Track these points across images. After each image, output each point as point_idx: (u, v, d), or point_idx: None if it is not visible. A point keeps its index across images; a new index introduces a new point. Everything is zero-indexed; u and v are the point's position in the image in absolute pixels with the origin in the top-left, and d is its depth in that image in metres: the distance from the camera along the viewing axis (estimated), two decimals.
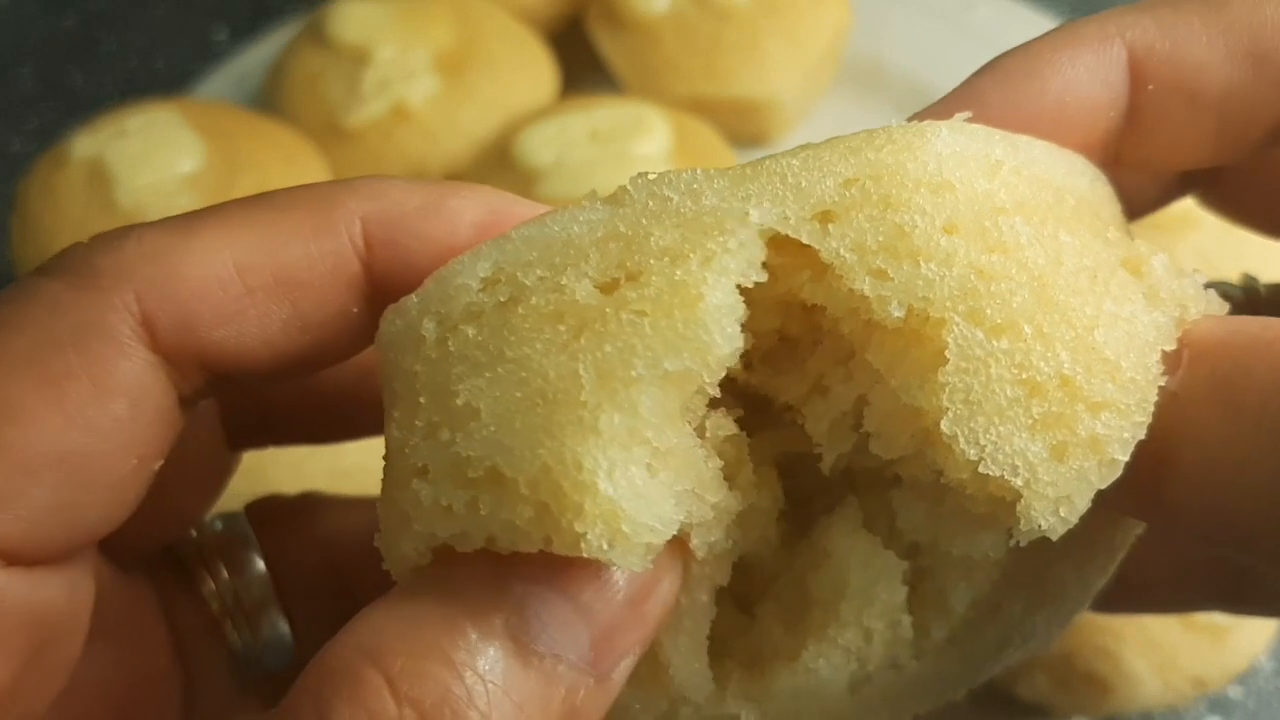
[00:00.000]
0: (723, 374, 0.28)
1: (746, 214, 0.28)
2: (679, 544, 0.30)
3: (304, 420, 0.42)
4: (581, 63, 0.95)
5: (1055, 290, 0.28)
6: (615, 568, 0.28)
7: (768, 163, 0.29)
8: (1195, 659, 0.60)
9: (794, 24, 0.89)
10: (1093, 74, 0.33)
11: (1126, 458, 0.27)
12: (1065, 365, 0.27)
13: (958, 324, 0.27)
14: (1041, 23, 0.96)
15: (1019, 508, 0.27)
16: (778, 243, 0.29)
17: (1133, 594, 0.42)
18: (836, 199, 0.28)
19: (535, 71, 0.92)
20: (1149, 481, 0.28)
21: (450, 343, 0.29)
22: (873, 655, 0.34)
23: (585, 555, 0.26)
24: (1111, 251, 0.30)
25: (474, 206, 0.33)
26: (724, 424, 0.31)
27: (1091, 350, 0.27)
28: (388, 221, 0.33)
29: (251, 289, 0.32)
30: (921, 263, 0.27)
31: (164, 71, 1.09)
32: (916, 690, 0.35)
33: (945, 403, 0.27)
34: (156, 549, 0.41)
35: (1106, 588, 0.36)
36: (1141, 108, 0.34)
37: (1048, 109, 0.33)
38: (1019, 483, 0.27)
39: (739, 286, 0.28)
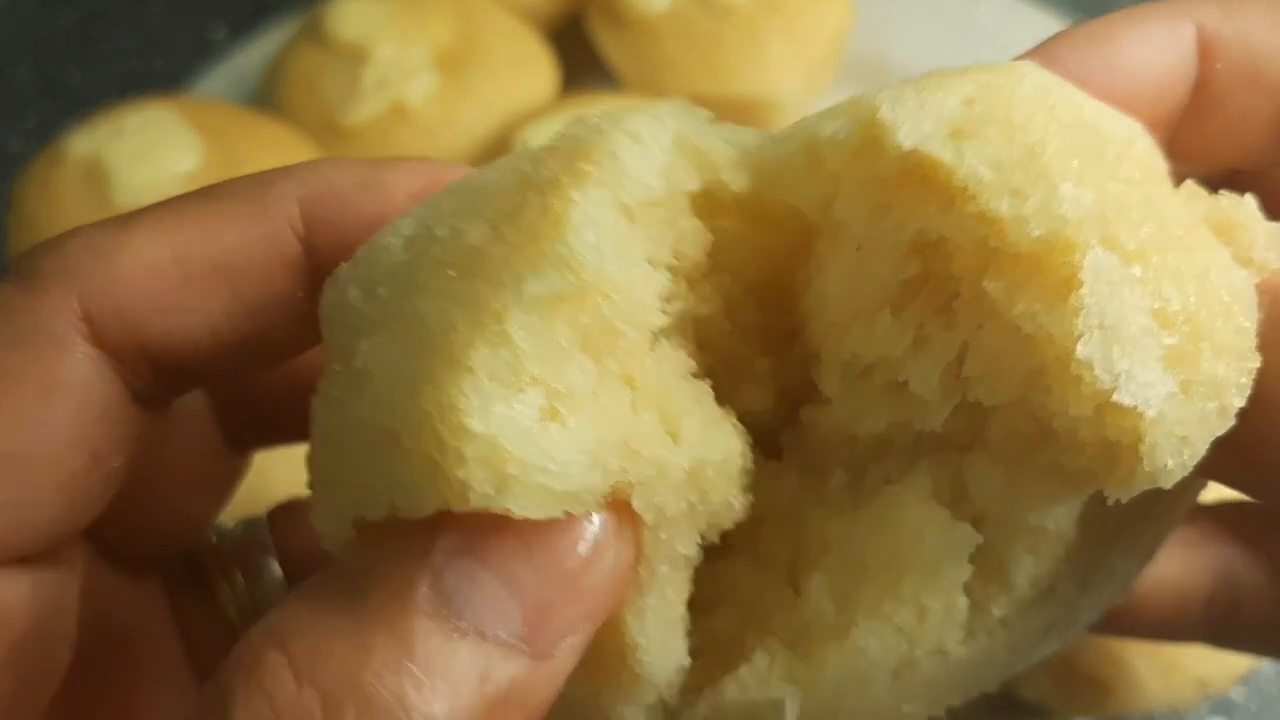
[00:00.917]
0: (637, 307, 0.27)
1: (638, 134, 0.28)
2: (623, 509, 0.28)
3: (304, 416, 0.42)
4: (581, 61, 0.95)
5: (1173, 227, 0.27)
6: (540, 531, 0.26)
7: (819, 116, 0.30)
8: (1198, 660, 0.60)
9: (795, 22, 0.89)
10: (1166, 48, 0.33)
11: (1242, 403, 0.26)
12: (1192, 301, 0.26)
13: (1094, 249, 0.26)
14: (1045, 21, 0.96)
15: (1144, 446, 0.26)
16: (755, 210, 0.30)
17: (1122, 616, 0.42)
18: (964, 117, 0.27)
19: (535, 70, 0.91)
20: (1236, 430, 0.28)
21: (367, 306, 0.28)
22: (924, 637, 0.32)
23: (476, 506, 0.25)
24: (1192, 201, 0.30)
25: (411, 178, 0.33)
26: (669, 362, 0.30)
27: (1211, 291, 0.26)
28: (325, 201, 0.33)
29: (189, 278, 0.32)
30: (1059, 183, 0.26)
31: (162, 70, 1.08)
32: (956, 678, 0.34)
33: (1081, 326, 0.25)
34: (172, 554, 0.41)
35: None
36: (1207, 86, 0.34)
37: (1120, 78, 0.32)
38: (1151, 414, 0.25)
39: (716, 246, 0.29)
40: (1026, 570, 0.32)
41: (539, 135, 0.80)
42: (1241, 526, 0.43)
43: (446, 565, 0.25)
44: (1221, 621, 0.43)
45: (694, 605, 0.33)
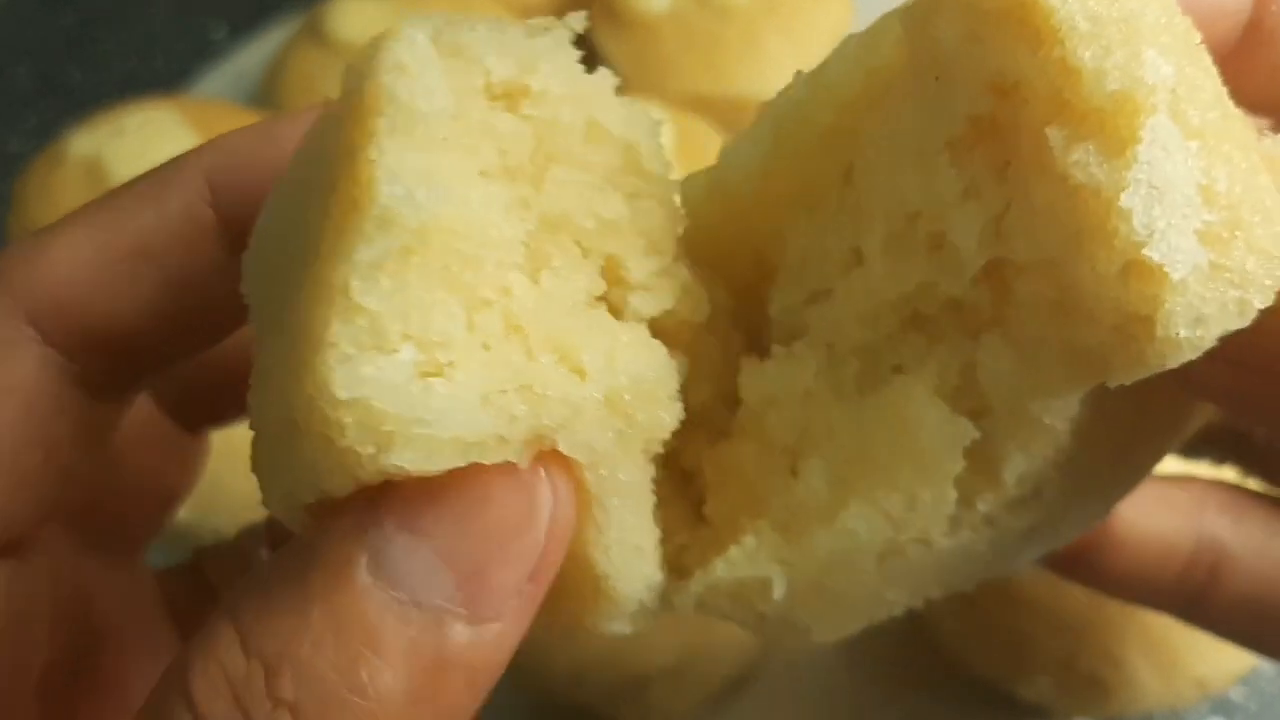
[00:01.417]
0: (484, 228, 0.28)
1: (403, 65, 0.28)
2: (554, 458, 0.28)
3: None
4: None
5: (1233, 121, 0.28)
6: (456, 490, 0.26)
7: None
8: (1198, 660, 0.60)
9: (794, 22, 0.89)
10: None
11: (1263, 305, 0.27)
12: (1237, 190, 0.27)
13: (1160, 114, 0.26)
14: None
15: (1162, 311, 0.26)
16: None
17: (1099, 559, 0.42)
18: None
19: None
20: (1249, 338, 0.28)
21: (255, 301, 0.30)
22: (910, 525, 0.33)
23: (373, 470, 0.25)
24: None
25: (296, 126, 0.34)
26: (558, 296, 0.30)
27: (1256, 190, 0.27)
28: (228, 166, 0.34)
29: (112, 262, 0.33)
30: (1145, 49, 0.27)
31: (162, 69, 1.09)
32: (938, 570, 0.35)
33: (1129, 180, 0.26)
34: (146, 540, 0.42)
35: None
36: (1260, 25, 0.34)
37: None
38: (1176, 276, 0.26)
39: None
40: (1016, 468, 0.33)
41: None
42: (1234, 501, 0.44)
43: (383, 538, 0.26)
44: (1197, 590, 0.43)
45: (693, 485, 0.35)
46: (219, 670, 0.25)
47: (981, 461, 0.33)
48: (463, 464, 0.26)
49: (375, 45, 0.29)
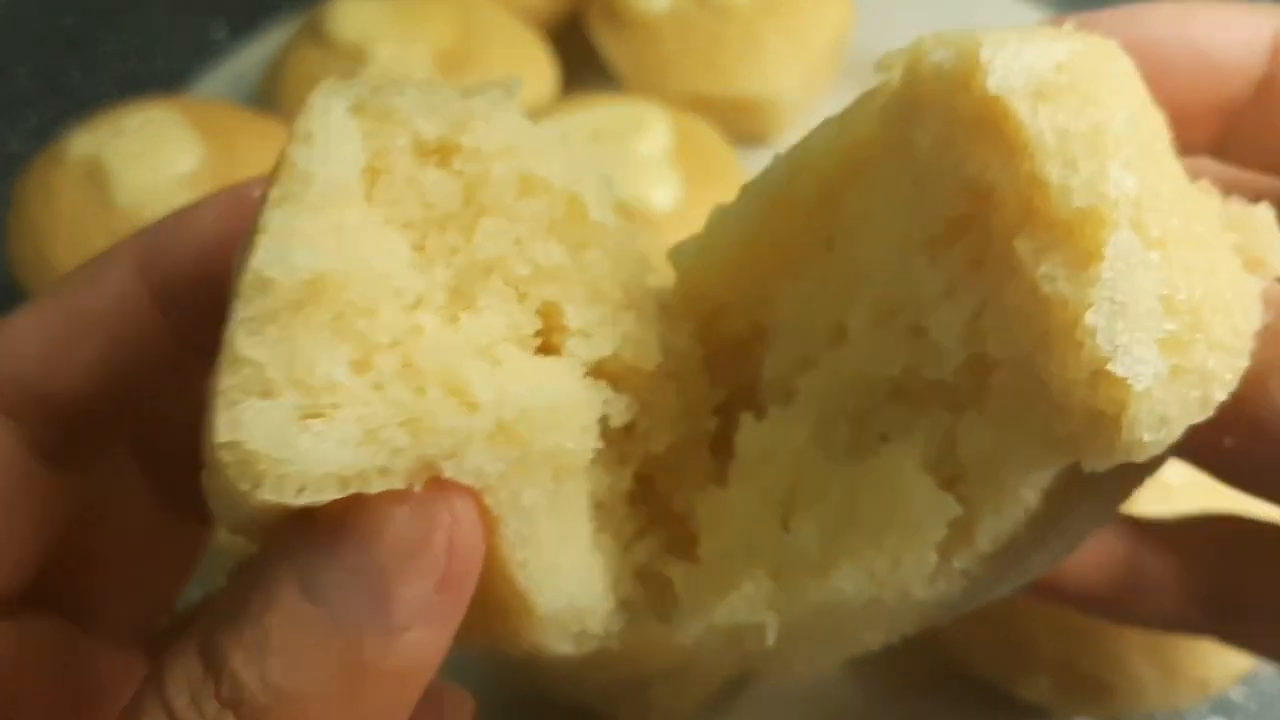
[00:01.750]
0: (378, 280, 0.30)
1: (309, 134, 0.31)
2: (444, 483, 0.31)
3: None
4: (581, 61, 0.95)
5: (1195, 223, 0.29)
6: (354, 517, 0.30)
7: None
8: (1198, 661, 0.60)
9: (795, 22, 0.89)
10: (1240, 33, 0.35)
11: (1224, 398, 0.29)
12: (1197, 295, 0.28)
13: (1122, 229, 0.28)
14: (1046, 22, 0.95)
15: (1126, 417, 0.28)
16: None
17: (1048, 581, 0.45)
18: (1051, 80, 0.29)
19: (535, 70, 0.91)
20: (1234, 414, 0.31)
21: None
22: (893, 583, 0.35)
23: (257, 507, 0.28)
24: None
25: (215, 205, 0.38)
26: (460, 334, 0.32)
27: (1216, 288, 0.29)
28: (152, 245, 0.37)
29: (56, 335, 0.37)
30: (1109, 163, 0.28)
31: (162, 70, 1.08)
32: (914, 613, 0.37)
33: (1093, 297, 0.28)
34: (145, 624, 0.44)
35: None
36: (1274, 83, 0.35)
37: (1190, 50, 0.35)
38: (1139, 388, 0.28)
39: None
40: (990, 530, 0.34)
41: None
42: (1151, 531, 0.46)
43: (307, 558, 0.30)
44: (1126, 604, 0.46)
45: (691, 531, 0.38)
46: (185, 678, 0.29)
47: (959, 527, 0.34)
48: (345, 494, 0.29)
49: (302, 110, 0.32)
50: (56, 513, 0.38)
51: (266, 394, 0.29)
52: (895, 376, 0.35)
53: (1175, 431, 0.29)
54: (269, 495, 0.28)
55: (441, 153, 0.33)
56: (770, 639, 0.36)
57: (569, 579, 0.35)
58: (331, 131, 0.31)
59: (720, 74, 0.88)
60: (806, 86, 0.91)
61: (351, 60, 0.88)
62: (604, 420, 0.36)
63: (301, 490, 0.29)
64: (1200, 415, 0.29)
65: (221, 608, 0.30)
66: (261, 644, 0.29)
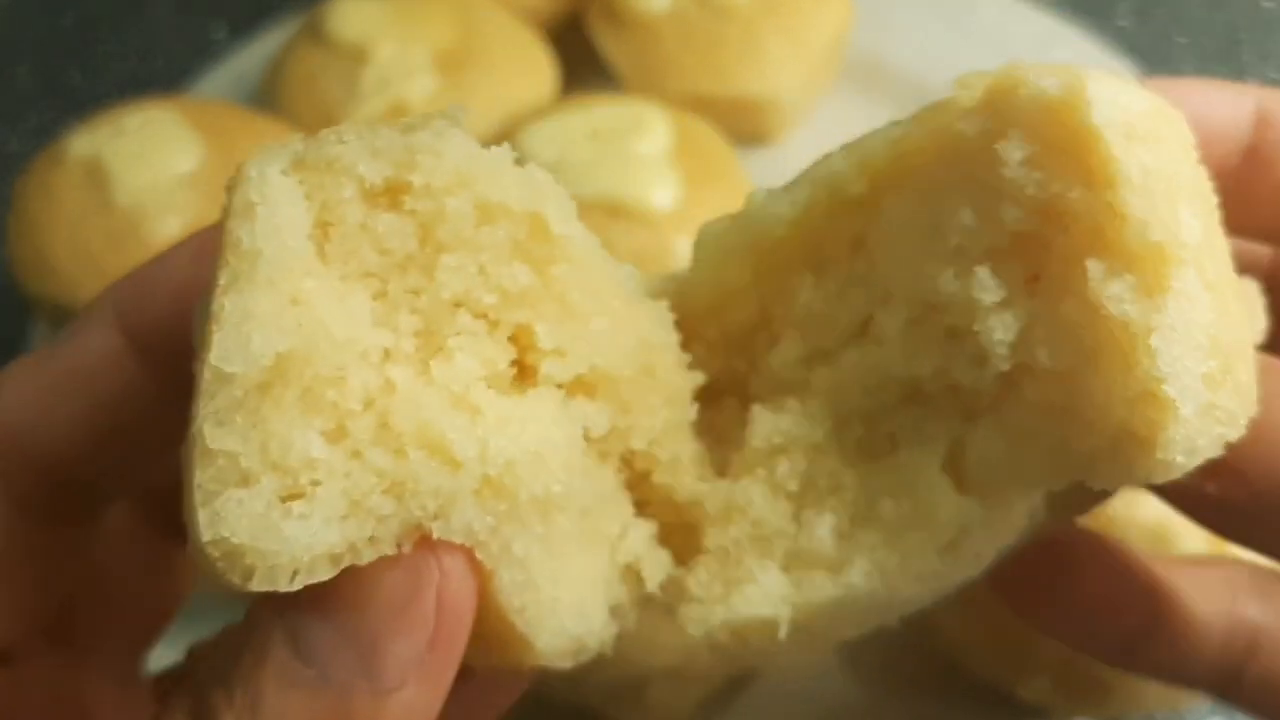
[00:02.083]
0: (342, 347, 0.30)
1: (249, 206, 0.30)
2: (431, 543, 0.31)
3: None
4: (582, 61, 0.95)
5: (1228, 274, 0.32)
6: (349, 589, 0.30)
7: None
8: None
9: (795, 22, 0.89)
10: (1224, 106, 0.38)
11: (1235, 439, 0.31)
12: (1230, 339, 0.31)
13: (1189, 267, 0.30)
14: (1044, 22, 0.96)
15: (1164, 436, 0.30)
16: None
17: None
18: (1140, 124, 0.31)
19: (535, 70, 0.91)
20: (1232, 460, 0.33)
21: None
22: (897, 584, 0.36)
23: (252, 594, 0.29)
24: None
25: (185, 249, 0.38)
26: (434, 388, 0.32)
27: (1241, 336, 0.32)
28: (130, 295, 0.38)
29: (42, 393, 0.37)
30: (1182, 207, 0.31)
31: (162, 70, 1.09)
32: (885, 612, 0.39)
33: (1158, 322, 0.30)
34: (140, 650, 0.45)
35: None
36: (1259, 151, 0.38)
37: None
38: (1184, 413, 0.30)
39: None
40: (978, 538, 0.36)
41: (538, 135, 0.81)
42: (1262, 581, 0.46)
43: (299, 620, 0.30)
44: (1232, 671, 0.45)
45: (686, 519, 0.38)
46: None
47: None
48: (339, 570, 0.29)
49: (233, 182, 0.31)
50: (51, 569, 0.39)
51: (244, 482, 0.29)
52: (916, 378, 0.36)
53: (1197, 461, 0.31)
54: (263, 586, 0.28)
55: (391, 194, 0.32)
56: (783, 634, 0.37)
57: (568, 611, 0.35)
58: (271, 198, 0.30)
59: (720, 74, 0.88)
60: (806, 86, 0.91)
61: (351, 60, 0.88)
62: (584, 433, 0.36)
63: (295, 576, 0.29)
64: (1215, 452, 0.31)
65: (212, 665, 0.31)
66: (253, 704, 0.29)
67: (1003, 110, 0.33)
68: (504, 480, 0.32)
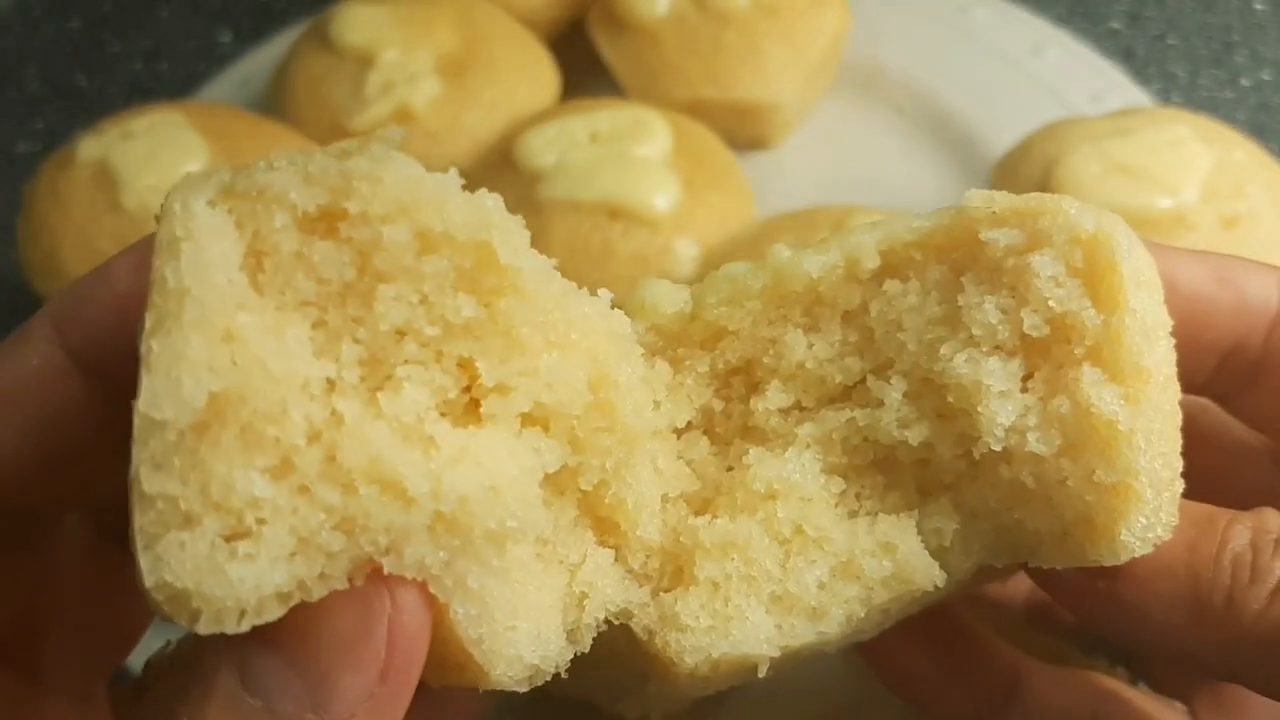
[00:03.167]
0: (280, 383, 0.29)
1: (175, 244, 0.29)
2: (382, 577, 0.30)
3: None
4: (583, 66, 0.96)
5: (1177, 406, 0.38)
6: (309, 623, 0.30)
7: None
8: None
9: (793, 27, 0.90)
10: (1264, 281, 0.42)
11: (1163, 540, 0.36)
12: (1176, 459, 0.37)
13: (1160, 390, 0.36)
14: (1037, 26, 0.97)
15: (1126, 522, 0.35)
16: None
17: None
18: (1144, 276, 0.37)
19: (537, 74, 0.92)
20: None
21: None
22: (859, 629, 0.40)
23: (205, 632, 0.28)
24: None
25: (126, 260, 0.37)
26: (384, 421, 0.31)
27: (1178, 460, 0.37)
28: (68, 308, 0.37)
29: None
30: (1160, 341, 0.37)
31: (169, 74, 1.09)
32: (838, 644, 0.42)
33: (1140, 427, 0.35)
34: (104, 675, 0.44)
35: None
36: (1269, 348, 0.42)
37: (1224, 287, 0.41)
38: (1148, 504, 0.35)
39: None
40: (922, 596, 0.41)
41: (540, 139, 0.81)
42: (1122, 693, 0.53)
43: (248, 651, 0.29)
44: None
45: (684, 554, 0.40)
46: None
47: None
48: (289, 608, 0.29)
49: (161, 212, 0.30)
50: (0, 594, 0.38)
51: (185, 525, 0.28)
52: (895, 446, 0.40)
53: (1146, 549, 0.36)
54: (211, 629, 0.28)
55: (328, 222, 0.31)
56: (762, 673, 0.40)
57: (525, 640, 0.35)
58: (197, 233, 0.29)
59: (719, 79, 0.89)
60: (804, 91, 0.91)
61: (356, 65, 0.89)
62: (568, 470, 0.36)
63: (243, 616, 0.28)
64: (1149, 548, 0.36)
65: (159, 695, 0.30)
66: None
67: (1034, 230, 0.37)
68: (458, 516, 0.31)
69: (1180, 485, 0.37)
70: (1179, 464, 0.37)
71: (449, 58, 0.89)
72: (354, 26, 0.90)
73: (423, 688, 0.32)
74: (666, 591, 0.40)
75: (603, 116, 0.83)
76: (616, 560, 0.40)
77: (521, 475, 0.33)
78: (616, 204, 0.77)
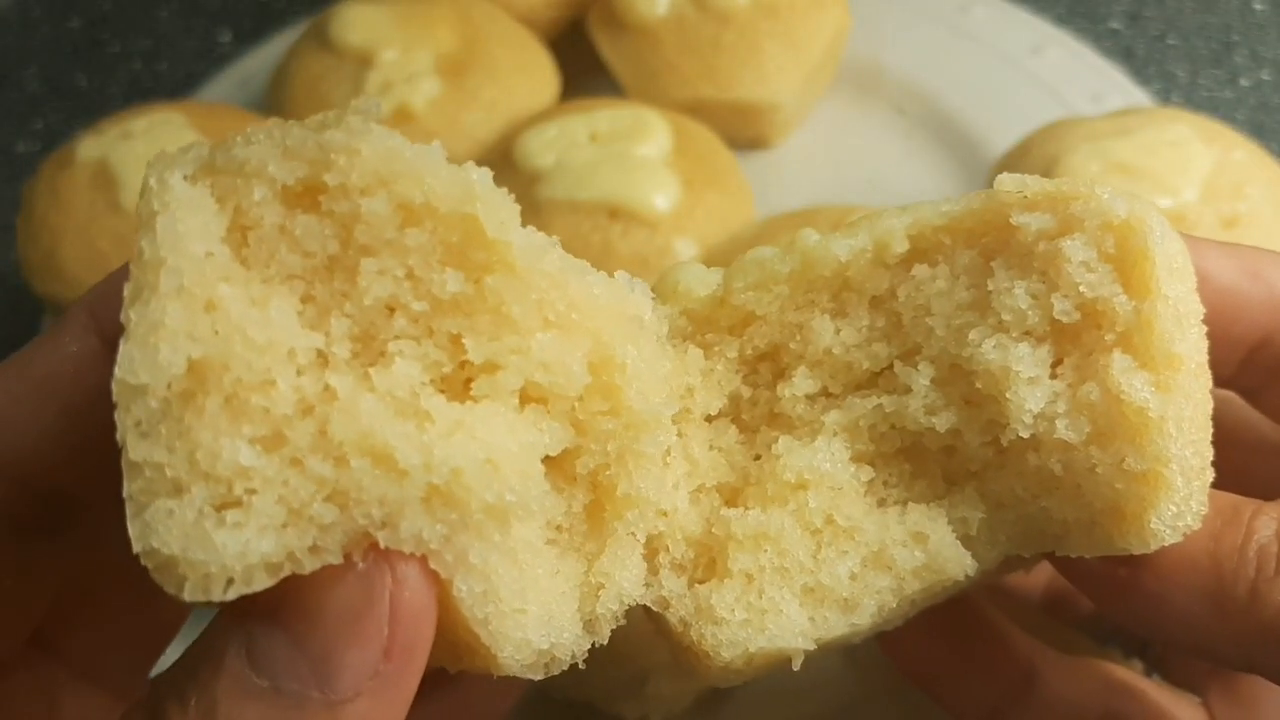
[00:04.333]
0: (264, 351, 0.29)
1: (151, 224, 0.29)
2: (381, 552, 0.30)
3: None
4: (583, 66, 0.96)
5: (1209, 395, 0.38)
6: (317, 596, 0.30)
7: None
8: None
9: (793, 27, 0.90)
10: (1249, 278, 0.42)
11: (1192, 529, 0.36)
12: (1206, 448, 0.37)
13: (1192, 378, 0.36)
14: (1037, 25, 0.97)
15: (1158, 510, 0.35)
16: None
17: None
18: (1178, 263, 0.36)
19: (537, 74, 0.92)
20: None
21: None
22: (888, 619, 0.40)
23: (195, 602, 0.28)
24: None
25: None
26: (378, 397, 0.31)
27: (1209, 449, 0.37)
28: (105, 294, 0.37)
29: (17, 400, 0.36)
30: (1193, 328, 0.36)
31: (168, 74, 1.10)
32: (864, 635, 0.42)
33: (1172, 414, 0.35)
34: (146, 667, 0.45)
35: None
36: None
37: (1256, 280, 0.41)
38: (1179, 492, 0.35)
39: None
40: (949, 588, 0.41)
41: (539, 139, 0.81)
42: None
43: (254, 629, 0.29)
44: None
45: (719, 542, 0.39)
46: None
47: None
48: (278, 580, 0.29)
49: (141, 190, 0.30)
50: (34, 582, 0.38)
51: (175, 493, 0.28)
52: (922, 433, 0.40)
53: (1176, 538, 0.36)
54: (197, 596, 0.28)
55: (309, 195, 0.31)
56: (796, 666, 0.39)
57: (534, 624, 0.35)
58: (172, 206, 0.29)
59: (719, 79, 0.89)
60: (803, 91, 0.91)
61: (355, 64, 0.88)
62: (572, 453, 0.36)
63: (230, 585, 0.28)
64: (1178, 537, 0.36)
65: (170, 677, 0.30)
66: (207, 714, 0.29)
67: (1066, 215, 0.37)
68: (452, 489, 0.31)
69: (1210, 474, 0.37)
70: (1209, 452, 0.37)
71: (448, 58, 0.89)
72: (353, 26, 0.90)
73: (449, 681, 0.32)
74: (701, 583, 0.39)
75: (602, 116, 0.83)
76: (647, 551, 0.39)
77: (520, 451, 0.33)
78: (616, 204, 0.77)
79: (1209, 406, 0.37)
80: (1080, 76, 0.92)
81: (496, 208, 0.33)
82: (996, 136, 0.88)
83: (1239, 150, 0.77)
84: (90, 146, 0.82)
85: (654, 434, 0.37)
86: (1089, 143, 0.76)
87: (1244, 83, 1.01)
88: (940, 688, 0.51)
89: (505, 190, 0.33)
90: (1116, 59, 0.97)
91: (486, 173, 0.32)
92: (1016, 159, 0.81)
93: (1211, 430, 0.37)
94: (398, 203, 0.32)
